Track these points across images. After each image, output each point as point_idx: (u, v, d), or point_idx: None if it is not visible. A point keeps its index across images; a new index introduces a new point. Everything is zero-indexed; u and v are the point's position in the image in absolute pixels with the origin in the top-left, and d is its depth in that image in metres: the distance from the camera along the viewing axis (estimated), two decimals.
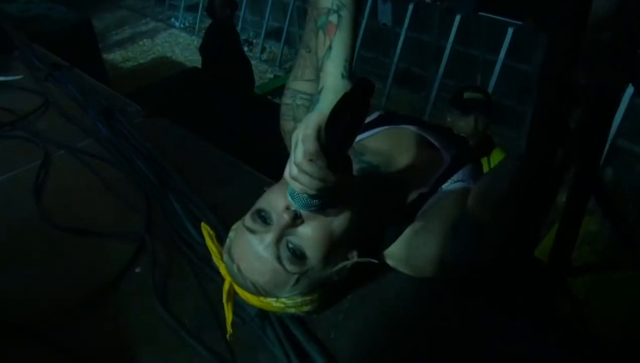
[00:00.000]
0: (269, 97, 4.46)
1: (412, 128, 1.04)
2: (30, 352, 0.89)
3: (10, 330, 0.91)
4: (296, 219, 0.78)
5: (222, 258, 0.85)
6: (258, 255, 0.79)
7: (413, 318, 0.91)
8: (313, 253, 0.79)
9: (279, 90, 4.72)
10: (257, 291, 0.81)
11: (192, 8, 6.67)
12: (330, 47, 0.77)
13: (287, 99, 1.02)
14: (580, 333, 1.23)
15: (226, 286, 0.84)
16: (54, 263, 1.06)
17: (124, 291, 0.98)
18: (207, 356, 0.84)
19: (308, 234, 0.79)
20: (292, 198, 0.77)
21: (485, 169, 1.14)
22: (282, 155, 0.78)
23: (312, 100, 0.77)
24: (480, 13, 3.79)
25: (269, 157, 1.10)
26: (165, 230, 1.10)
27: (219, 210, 1.12)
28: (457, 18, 3.93)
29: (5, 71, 1.85)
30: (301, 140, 0.73)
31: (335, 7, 0.77)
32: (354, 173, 0.86)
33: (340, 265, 0.84)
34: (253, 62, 4.22)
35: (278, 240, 0.79)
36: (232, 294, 0.84)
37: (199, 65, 4.25)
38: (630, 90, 2.88)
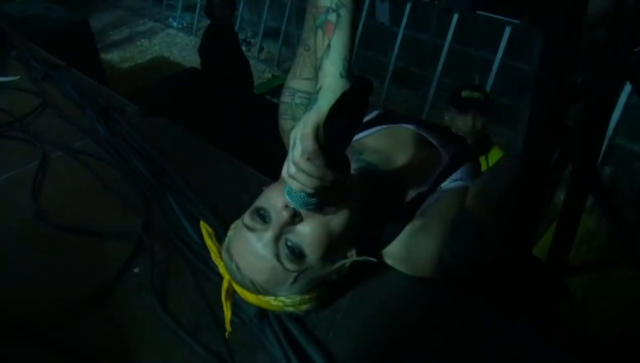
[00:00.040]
0: (267, 97, 4.46)
1: (411, 127, 1.04)
2: (30, 352, 0.89)
3: (10, 330, 0.91)
4: (295, 217, 0.78)
5: (221, 257, 0.86)
6: (257, 253, 0.79)
7: (412, 318, 0.91)
8: (312, 252, 0.79)
9: (277, 90, 4.72)
10: (255, 289, 0.81)
11: (189, 8, 6.66)
12: (329, 46, 0.77)
13: (285, 98, 1.02)
14: (580, 333, 1.23)
15: (225, 284, 0.84)
16: (52, 263, 1.06)
17: (122, 291, 0.98)
18: (206, 356, 0.84)
19: (307, 232, 0.79)
20: (290, 197, 0.77)
21: (484, 167, 1.14)
22: (281, 154, 0.78)
23: (310, 99, 0.77)
24: (477, 12, 3.80)
25: (268, 156, 1.10)
26: (163, 230, 1.10)
27: (217, 210, 1.12)
28: (455, 17, 3.94)
29: (2, 71, 1.85)
30: (299, 139, 0.73)
31: (334, 6, 0.77)
32: (353, 172, 0.86)
33: (339, 264, 0.84)
34: (251, 62, 4.22)
35: (277, 239, 0.79)
36: (231, 293, 0.84)
37: (197, 66, 4.24)
38: (628, 88, 2.89)
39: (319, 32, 0.78)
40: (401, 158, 0.98)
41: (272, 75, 5.38)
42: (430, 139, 1.02)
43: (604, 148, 2.85)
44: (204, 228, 0.89)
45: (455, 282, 0.93)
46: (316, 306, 0.87)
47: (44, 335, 0.89)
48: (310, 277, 0.81)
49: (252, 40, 5.97)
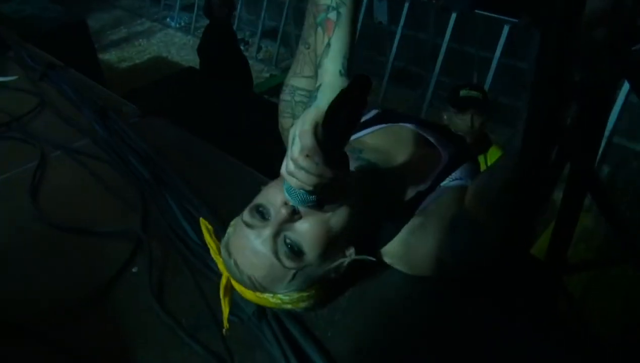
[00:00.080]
0: (265, 96, 4.46)
1: (410, 126, 1.04)
2: (30, 352, 0.89)
3: (10, 330, 0.91)
4: (294, 215, 0.78)
5: (219, 253, 0.86)
6: (255, 250, 0.79)
7: (412, 318, 0.91)
8: (310, 250, 0.79)
9: (275, 89, 4.73)
10: (253, 286, 0.81)
11: (187, 8, 6.66)
12: (328, 44, 0.77)
13: (285, 96, 1.02)
14: (580, 333, 1.23)
15: (223, 281, 0.84)
16: (51, 263, 1.06)
17: (121, 291, 0.98)
18: (204, 355, 0.84)
19: (306, 230, 0.79)
20: (289, 194, 0.77)
21: (482, 166, 1.14)
22: (280, 154, 0.78)
23: (310, 97, 0.77)
24: (476, 11, 3.80)
25: (267, 156, 1.09)
26: (161, 229, 1.10)
27: (217, 209, 1.12)
28: (453, 16, 3.94)
29: None
30: (298, 135, 0.73)
31: (334, 4, 0.77)
32: (352, 170, 0.86)
33: (337, 262, 0.84)
34: (249, 62, 4.22)
35: (276, 235, 0.79)
36: (230, 289, 0.84)
37: (195, 65, 4.24)
38: (626, 87, 2.90)
39: (319, 30, 0.78)
40: (401, 157, 0.98)
41: (271, 75, 5.38)
42: (430, 139, 1.02)
43: (602, 147, 2.86)
44: (204, 225, 0.90)
45: (455, 282, 0.93)
46: (314, 304, 0.87)
47: (43, 335, 0.89)
48: (308, 274, 0.81)
49: (250, 40, 5.97)
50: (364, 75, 0.71)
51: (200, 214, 1.10)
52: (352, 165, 0.85)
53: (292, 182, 0.74)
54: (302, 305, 0.85)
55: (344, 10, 0.77)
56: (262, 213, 0.81)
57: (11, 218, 1.19)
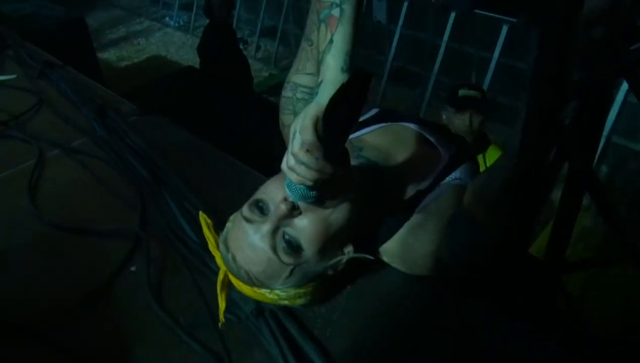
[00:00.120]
0: (264, 96, 4.46)
1: (411, 126, 1.04)
2: (30, 352, 0.88)
3: (10, 330, 0.91)
4: (293, 210, 0.78)
5: (218, 248, 0.86)
6: (254, 245, 0.79)
7: (410, 317, 0.91)
8: (309, 246, 0.79)
9: (274, 89, 4.73)
10: (251, 281, 0.81)
11: (186, 7, 6.65)
12: (331, 41, 0.77)
13: (287, 92, 1.02)
14: (579, 332, 1.23)
15: (221, 275, 0.84)
16: (50, 262, 1.06)
17: (120, 289, 0.98)
18: (203, 353, 0.84)
19: (305, 226, 0.79)
20: (289, 190, 0.77)
21: (481, 166, 1.14)
22: (280, 154, 0.78)
23: (312, 93, 0.77)
24: (475, 10, 3.80)
25: (267, 156, 1.09)
26: (160, 228, 1.10)
27: (216, 208, 1.12)
28: (452, 15, 3.94)
29: None
30: (299, 130, 0.73)
31: (337, 1, 0.77)
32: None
33: (335, 260, 0.84)
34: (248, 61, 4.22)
35: (274, 231, 0.79)
36: (227, 284, 0.84)
37: (194, 64, 4.24)
38: (624, 87, 2.90)
39: (322, 26, 0.79)
40: (401, 156, 0.98)
41: (269, 74, 5.38)
42: (430, 138, 1.02)
43: (600, 146, 2.86)
44: (203, 218, 0.90)
45: (455, 282, 0.93)
46: (311, 301, 0.87)
47: (43, 335, 0.89)
48: (306, 271, 0.81)
49: (249, 39, 5.97)
50: (365, 70, 0.71)
51: (199, 213, 1.10)
52: (352, 163, 0.85)
53: (293, 177, 0.74)
54: (299, 301, 0.85)
55: (347, 7, 0.77)
56: (261, 209, 0.81)
57: (9, 217, 1.18)
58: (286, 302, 0.84)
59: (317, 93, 0.75)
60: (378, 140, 1.00)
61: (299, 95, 1.00)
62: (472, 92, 2.20)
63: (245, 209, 0.82)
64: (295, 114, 0.99)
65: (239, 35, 4.24)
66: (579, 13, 0.69)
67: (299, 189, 0.75)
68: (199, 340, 0.86)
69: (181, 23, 6.65)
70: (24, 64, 1.86)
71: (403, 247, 0.89)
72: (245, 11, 6.13)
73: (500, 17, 3.63)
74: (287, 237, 0.79)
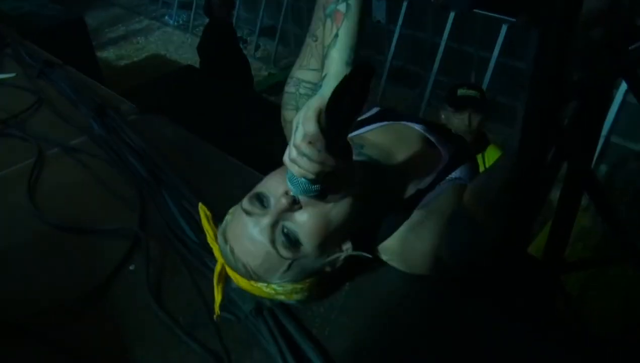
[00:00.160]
0: (264, 95, 4.46)
1: (412, 125, 1.04)
2: (30, 352, 0.88)
3: (10, 330, 0.91)
4: (294, 205, 0.78)
5: (216, 240, 0.85)
6: (252, 238, 0.79)
7: (410, 317, 0.91)
8: (308, 241, 0.79)
9: (274, 88, 4.73)
10: (248, 274, 0.81)
11: (185, 6, 6.65)
12: (336, 35, 0.77)
13: (290, 88, 1.02)
14: (579, 332, 1.23)
15: (218, 268, 0.84)
16: (50, 262, 1.06)
17: (119, 289, 0.98)
18: (202, 353, 0.84)
19: (304, 221, 0.79)
20: (291, 183, 0.76)
21: (480, 165, 1.14)
22: (280, 153, 0.78)
23: (315, 89, 0.77)
24: (474, 10, 3.80)
25: (267, 155, 1.09)
26: (159, 227, 1.10)
27: (214, 208, 1.12)
28: (452, 15, 3.94)
29: None
30: (301, 122, 0.72)
31: None
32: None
33: (333, 256, 0.84)
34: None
35: (274, 224, 0.79)
36: (223, 277, 0.84)
37: (194, 63, 4.23)
38: (624, 86, 2.90)
39: (328, 21, 0.79)
40: (402, 154, 0.98)
41: (269, 73, 5.38)
42: (431, 138, 1.02)
43: (599, 146, 2.86)
44: (202, 210, 0.89)
45: (455, 282, 0.93)
46: (308, 297, 0.86)
47: (43, 335, 0.89)
48: (303, 266, 0.81)
49: (249, 38, 5.96)
50: (368, 63, 0.70)
51: (198, 212, 1.10)
52: (354, 161, 0.85)
53: (294, 169, 0.73)
54: (296, 297, 0.84)
55: (353, 2, 0.77)
56: (262, 202, 0.81)
57: (8, 216, 1.18)
58: (282, 297, 0.84)
59: (320, 86, 0.75)
60: (379, 139, 1.00)
61: (302, 91, 0.99)
62: (471, 92, 2.20)
63: (245, 202, 0.82)
64: (298, 109, 0.99)
65: (238, 35, 4.24)
66: (578, 13, 0.69)
67: (301, 183, 0.75)
68: (198, 339, 0.86)
69: (180, 22, 6.66)
70: (23, 63, 1.86)
71: (403, 245, 0.89)
72: (244, 10, 6.13)
73: (500, 16, 3.63)
74: (286, 231, 0.79)
